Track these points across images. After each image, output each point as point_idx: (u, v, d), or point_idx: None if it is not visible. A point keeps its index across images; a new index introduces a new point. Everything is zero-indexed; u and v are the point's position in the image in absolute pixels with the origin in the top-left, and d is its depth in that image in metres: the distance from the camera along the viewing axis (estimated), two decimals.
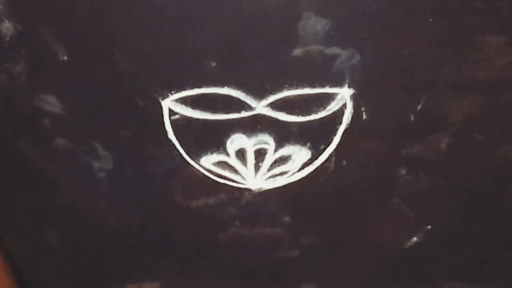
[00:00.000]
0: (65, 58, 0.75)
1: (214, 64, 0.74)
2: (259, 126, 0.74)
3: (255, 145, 0.75)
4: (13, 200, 0.79)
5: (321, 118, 0.73)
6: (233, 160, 0.75)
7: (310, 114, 0.73)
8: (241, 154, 0.75)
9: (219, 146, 0.75)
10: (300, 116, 0.74)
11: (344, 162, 0.74)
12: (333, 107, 0.73)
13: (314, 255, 0.76)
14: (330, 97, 0.73)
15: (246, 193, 0.76)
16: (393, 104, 0.73)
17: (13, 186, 0.78)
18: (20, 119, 0.76)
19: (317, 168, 0.74)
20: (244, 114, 0.74)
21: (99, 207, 0.77)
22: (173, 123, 0.75)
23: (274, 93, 0.74)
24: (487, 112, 0.72)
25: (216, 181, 0.76)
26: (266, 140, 0.74)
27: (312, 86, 0.73)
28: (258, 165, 0.75)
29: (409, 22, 0.72)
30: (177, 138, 0.75)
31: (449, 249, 0.75)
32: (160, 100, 0.75)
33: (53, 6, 0.75)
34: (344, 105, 0.73)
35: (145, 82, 0.75)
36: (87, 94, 0.75)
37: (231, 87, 0.74)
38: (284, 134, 0.74)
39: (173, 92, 0.75)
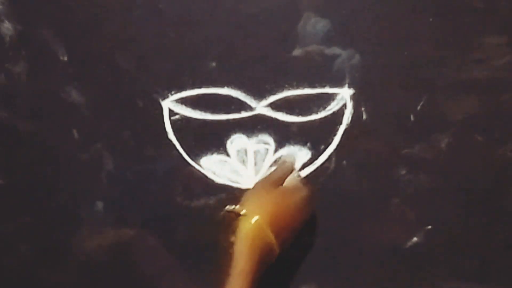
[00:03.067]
0: (65, 58, 0.75)
1: (214, 64, 0.74)
2: (259, 126, 0.74)
3: (255, 145, 0.75)
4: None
5: (321, 118, 0.73)
6: (233, 160, 0.75)
7: (310, 114, 0.73)
8: (241, 154, 0.75)
9: (219, 146, 0.75)
10: (300, 116, 0.74)
11: (344, 162, 0.74)
12: (333, 107, 0.73)
13: (314, 255, 0.76)
14: (330, 97, 0.73)
15: None
16: (393, 104, 0.73)
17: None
18: (18, 117, 0.76)
19: (317, 168, 0.74)
20: (244, 114, 0.74)
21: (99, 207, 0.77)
22: (173, 123, 0.75)
23: (274, 93, 0.74)
24: (487, 112, 0.72)
25: (216, 181, 0.76)
26: (266, 140, 0.74)
27: (312, 86, 0.73)
28: (258, 165, 0.75)
29: (409, 22, 0.72)
30: (177, 138, 0.75)
31: (449, 249, 0.75)
32: (160, 100, 0.75)
33: (53, 6, 0.75)
34: (344, 105, 0.73)
35: (145, 82, 0.75)
36: (87, 94, 0.75)
37: (231, 87, 0.74)
38: (284, 134, 0.74)
39: (173, 92, 0.75)
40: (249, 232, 0.64)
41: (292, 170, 0.72)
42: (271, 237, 0.65)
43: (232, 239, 0.65)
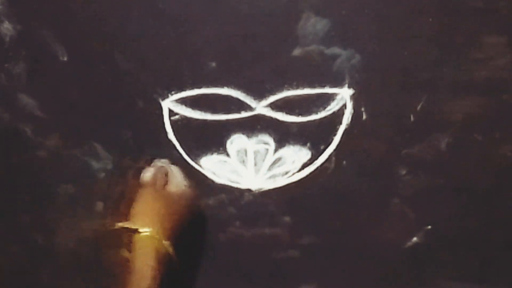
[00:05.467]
0: (65, 58, 0.75)
1: (214, 64, 0.74)
2: (259, 126, 0.74)
3: (255, 145, 0.75)
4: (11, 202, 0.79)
5: (321, 118, 0.73)
6: (233, 160, 0.75)
7: (310, 114, 0.73)
8: (241, 154, 0.75)
9: (219, 146, 0.75)
10: (300, 116, 0.74)
11: (344, 162, 0.74)
12: (333, 107, 0.73)
13: (314, 255, 0.76)
14: (330, 97, 0.73)
15: (246, 193, 0.76)
16: (393, 104, 0.73)
17: (11, 186, 0.78)
18: (18, 118, 0.76)
19: (317, 168, 0.74)
20: (244, 114, 0.74)
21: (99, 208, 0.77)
22: (173, 124, 0.75)
23: (274, 93, 0.74)
24: (487, 112, 0.72)
25: (216, 181, 0.76)
26: (266, 140, 0.74)
27: (312, 86, 0.73)
28: (258, 165, 0.75)
29: (409, 22, 0.72)
30: (177, 139, 0.75)
31: (449, 249, 0.75)
32: (160, 101, 0.75)
33: (53, 6, 0.75)
34: (344, 105, 0.73)
35: (145, 82, 0.75)
36: (87, 94, 0.75)
37: (231, 87, 0.74)
38: (284, 134, 0.74)
39: (173, 92, 0.75)
40: (147, 246, 0.63)
41: (167, 172, 0.72)
42: (167, 247, 0.64)
43: (127, 255, 0.63)
